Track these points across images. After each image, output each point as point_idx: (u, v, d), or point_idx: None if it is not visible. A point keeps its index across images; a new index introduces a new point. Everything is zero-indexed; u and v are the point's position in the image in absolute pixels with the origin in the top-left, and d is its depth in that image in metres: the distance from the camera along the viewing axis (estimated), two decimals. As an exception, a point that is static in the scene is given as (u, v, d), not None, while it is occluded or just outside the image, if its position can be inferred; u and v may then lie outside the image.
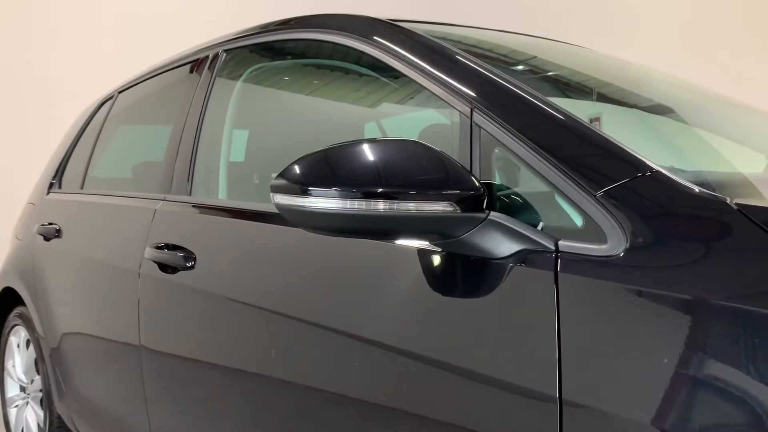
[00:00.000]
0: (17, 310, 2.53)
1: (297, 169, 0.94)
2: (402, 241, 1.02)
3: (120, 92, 2.37)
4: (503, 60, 1.51)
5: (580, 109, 1.27)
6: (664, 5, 4.71)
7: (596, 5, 4.71)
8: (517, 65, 1.53)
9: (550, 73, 1.57)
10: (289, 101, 1.75)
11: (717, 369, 0.69)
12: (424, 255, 0.98)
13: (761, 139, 1.54)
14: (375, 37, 1.28)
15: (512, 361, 0.85)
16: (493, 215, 0.90)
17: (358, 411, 1.06)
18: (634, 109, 1.58)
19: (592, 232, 0.83)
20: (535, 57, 1.64)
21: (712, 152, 1.50)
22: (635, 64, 1.84)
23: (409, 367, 0.98)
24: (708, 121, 1.61)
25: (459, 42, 1.43)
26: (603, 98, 1.55)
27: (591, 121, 1.30)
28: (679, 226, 0.79)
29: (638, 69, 1.80)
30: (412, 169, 0.90)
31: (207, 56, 1.79)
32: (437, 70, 1.12)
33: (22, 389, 2.54)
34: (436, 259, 0.97)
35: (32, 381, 2.49)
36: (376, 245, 1.07)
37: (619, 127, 1.48)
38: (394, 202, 0.88)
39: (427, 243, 0.97)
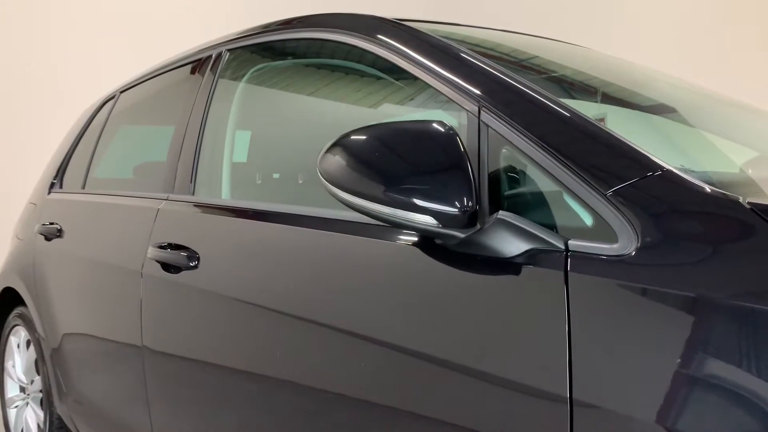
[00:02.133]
0: (17, 310, 2.52)
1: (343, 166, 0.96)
2: (411, 241, 1.02)
3: (122, 92, 2.36)
4: (506, 59, 1.51)
5: (583, 110, 1.27)
6: (663, 5, 4.71)
7: (596, 5, 4.72)
8: (521, 65, 1.52)
9: (553, 74, 1.57)
10: (293, 101, 1.75)
11: (731, 370, 0.69)
12: (432, 254, 0.98)
13: (759, 137, 1.54)
14: (380, 36, 1.28)
15: (523, 361, 0.84)
16: (502, 214, 0.90)
17: (365, 412, 1.06)
18: (637, 109, 1.58)
19: (602, 231, 0.83)
20: (536, 56, 1.63)
21: (713, 152, 1.49)
22: (637, 64, 1.84)
23: (416, 368, 0.97)
24: (709, 120, 1.61)
25: (462, 41, 1.43)
26: (606, 98, 1.55)
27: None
28: (691, 225, 0.79)
29: (640, 69, 1.80)
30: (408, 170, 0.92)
31: (210, 56, 1.78)
32: (444, 69, 1.12)
33: (22, 390, 2.53)
34: (445, 259, 0.96)
35: (32, 381, 2.48)
36: (384, 244, 1.06)
37: (622, 128, 1.47)
38: (381, 207, 0.92)
39: (435, 242, 0.97)
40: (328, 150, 0.98)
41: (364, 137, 0.96)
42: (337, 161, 0.96)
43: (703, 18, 4.66)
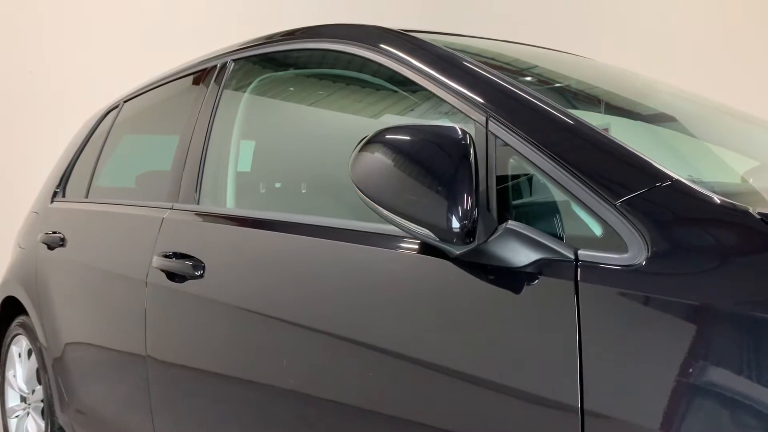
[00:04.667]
0: (19, 319, 2.51)
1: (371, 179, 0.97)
2: (418, 250, 1.02)
3: (125, 101, 2.37)
4: (508, 69, 1.51)
5: (586, 120, 1.28)
6: (665, 11, 4.74)
7: (596, 11, 4.74)
8: (523, 75, 1.53)
9: (556, 84, 1.58)
10: (298, 111, 1.76)
11: (744, 380, 0.69)
12: (440, 264, 0.98)
13: (758, 146, 1.54)
14: (385, 46, 1.28)
15: (533, 371, 0.85)
16: (511, 224, 0.90)
17: (372, 423, 1.06)
18: (639, 119, 1.59)
19: (612, 241, 0.83)
20: (538, 66, 1.64)
21: (714, 161, 1.50)
22: (640, 74, 1.85)
23: (425, 378, 0.97)
24: (708, 130, 1.62)
25: (463, 51, 1.44)
26: (609, 108, 1.56)
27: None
28: (702, 235, 0.80)
29: (643, 79, 1.81)
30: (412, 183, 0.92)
31: (215, 66, 1.79)
32: (450, 79, 1.13)
33: (23, 399, 2.52)
34: (454, 268, 0.96)
35: (33, 391, 2.47)
36: (391, 253, 1.07)
37: (624, 137, 1.48)
38: (390, 214, 0.94)
39: (444, 251, 0.97)
40: (361, 149, 0.98)
41: (386, 139, 0.95)
42: (364, 164, 0.96)
43: (702, 26, 4.69)
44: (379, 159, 0.94)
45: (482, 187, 0.96)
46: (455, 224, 0.87)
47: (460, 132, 0.90)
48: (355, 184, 0.97)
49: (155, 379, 1.59)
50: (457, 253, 0.91)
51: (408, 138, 0.93)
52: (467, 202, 0.87)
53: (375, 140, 0.96)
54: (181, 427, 1.55)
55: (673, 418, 0.72)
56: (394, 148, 0.93)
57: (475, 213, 0.87)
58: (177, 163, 1.74)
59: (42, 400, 2.37)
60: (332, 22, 1.51)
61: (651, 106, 1.67)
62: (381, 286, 1.08)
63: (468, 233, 0.88)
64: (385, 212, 0.94)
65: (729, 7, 4.68)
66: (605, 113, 1.53)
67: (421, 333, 0.99)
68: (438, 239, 0.91)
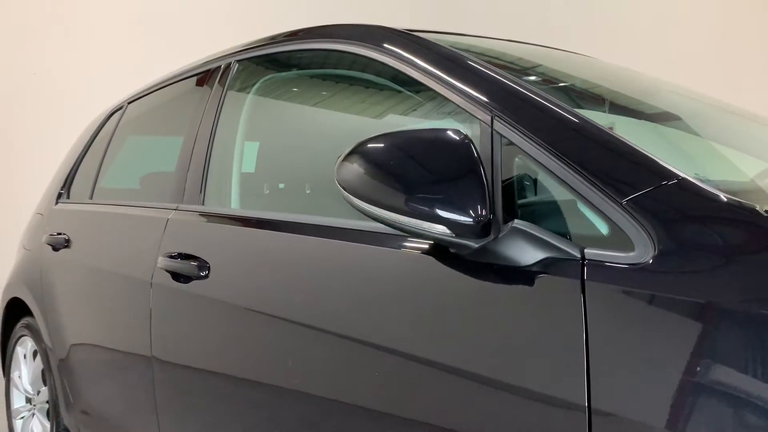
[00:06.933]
0: (24, 320, 2.52)
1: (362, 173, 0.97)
2: (425, 249, 1.02)
3: (129, 102, 2.37)
4: (512, 69, 1.51)
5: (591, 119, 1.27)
6: (670, 9, 4.73)
7: (599, 9, 4.73)
8: (527, 74, 1.53)
9: (560, 83, 1.57)
10: (302, 112, 1.76)
11: (751, 379, 0.69)
12: (447, 263, 0.98)
13: (763, 146, 1.54)
14: (389, 46, 1.28)
15: (540, 370, 0.85)
16: (518, 223, 0.90)
17: (378, 423, 1.06)
18: (644, 118, 1.58)
19: (618, 239, 0.83)
20: (542, 65, 1.64)
21: (720, 160, 1.50)
22: (644, 73, 1.85)
23: (432, 378, 0.97)
24: (713, 129, 1.61)
25: (466, 51, 1.44)
26: (613, 107, 1.56)
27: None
28: (708, 233, 0.79)
29: (647, 78, 1.81)
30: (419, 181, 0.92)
31: (218, 67, 1.79)
32: (455, 79, 1.12)
33: (28, 400, 2.53)
34: (460, 267, 0.96)
35: (38, 392, 2.47)
36: (396, 253, 1.07)
37: (629, 137, 1.47)
38: (395, 215, 0.93)
39: (449, 250, 0.97)
40: (345, 158, 0.98)
41: (379, 146, 0.96)
42: (354, 170, 0.96)
43: (706, 25, 4.68)
44: (378, 163, 0.94)
45: (487, 186, 0.96)
46: (473, 217, 0.87)
47: (458, 132, 0.92)
48: (352, 194, 0.97)
49: (160, 379, 1.59)
50: (476, 246, 0.91)
51: (407, 142, 0.94)
52: (481, 194, 0.88)
53: (363, 149, 0.96)
54: (186, 428, 1.56)
55: (679, 416, 0.72)
56: (398, 149, 0.93)
57: (488, 209, 0.88)
58: (181, 164, 1.74)
59: (47, 401, 2.38)
60: (336, 23, 1.51)
61: (655, 105, 1.67)
62: (387, 285, 1.08)
63: (484, 227, 0.88)
64: (393, 215, 0.94)
65: (735, 6, 4.67)
66: (610, 112, 1.53)
67: (426, 332, 0.99)
68: (454, 235, 0.90)
